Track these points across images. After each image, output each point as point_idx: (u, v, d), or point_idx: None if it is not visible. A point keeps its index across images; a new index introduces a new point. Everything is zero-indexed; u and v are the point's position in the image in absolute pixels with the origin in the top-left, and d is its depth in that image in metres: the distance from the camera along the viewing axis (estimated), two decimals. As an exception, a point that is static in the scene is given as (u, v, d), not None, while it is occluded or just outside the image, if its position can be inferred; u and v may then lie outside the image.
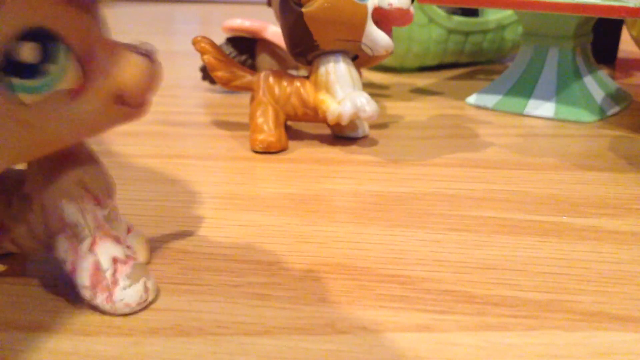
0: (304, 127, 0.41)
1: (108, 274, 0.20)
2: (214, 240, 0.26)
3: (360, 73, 0.38)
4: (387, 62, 0.58)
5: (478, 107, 0.47)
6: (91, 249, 0.20)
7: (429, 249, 0.25)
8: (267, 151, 0.37)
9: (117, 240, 0.21)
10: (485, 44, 0.60)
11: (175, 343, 0.19)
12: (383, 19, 0.35)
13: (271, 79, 0.38)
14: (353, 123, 0.38)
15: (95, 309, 0.21)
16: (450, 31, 0.57)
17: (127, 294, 0.20)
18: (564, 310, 0.21)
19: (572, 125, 0.42)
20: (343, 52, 0.37)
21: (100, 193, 0.21)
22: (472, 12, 0.60)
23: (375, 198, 0.30)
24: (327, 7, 0.34)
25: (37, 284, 0.23)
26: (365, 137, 0.39)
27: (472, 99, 0.48)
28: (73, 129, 0.18)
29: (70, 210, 0.20)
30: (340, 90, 0.36)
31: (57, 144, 0.18)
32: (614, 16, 0.38)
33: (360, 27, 0.35)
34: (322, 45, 0.36)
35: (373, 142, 0.39)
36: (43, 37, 0.16)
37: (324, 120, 0.37)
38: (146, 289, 0.21)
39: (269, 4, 0.48)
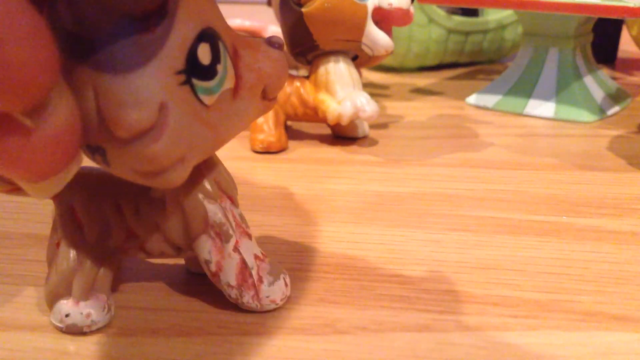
0: (304, 127, 0.41)
1: (254, 272, 0.20)
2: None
3: (360, 73, 0.38)
4: (387, 62, 0.58)
5: (478, 107, 0.47)
6: (235, 248, 0.20)
7: (429, 249, 0.25)
8: (267, 151, 0.37)
9: (251, 238, 0.21)
10: (485, 44, 0.60)
11: (175, 343, 0.19)
12: (383, 19, 0.35)
13: (271, 79, 0.38)
14: (353, 123, 0.38)
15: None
16: (450, 31, 0.57)
17: (272, 290, 0.20)
18: (564, 310, 0.21)
19: (572, 125, 0.42)
20: (343, 52, 0.37)
21: (233, 192, 0.21)
22: (472, 12, 0.60)
23: (375, 198, 0.30)
24: (327, 7, 0.34)
25: (38, 284, 0.23)
26: (365, 137, 0.39)
27: (472, 99, 0.48)
28: (237, 125, 0.18)
29: (214, 211, 0.19)
30: (340, 90, 0.36)
31: (225, 142, 0.18)
32: (614, 16, 0.38)
33: (360, 27, 0.35)
34: (322, 45, 0.36)
35: (373, 142, 0.39)
36: (211, 38, 0.16)
37: (324, 120, 0.37)
38: (286, 284, 0.21)
39: (269, 4, 0.48)
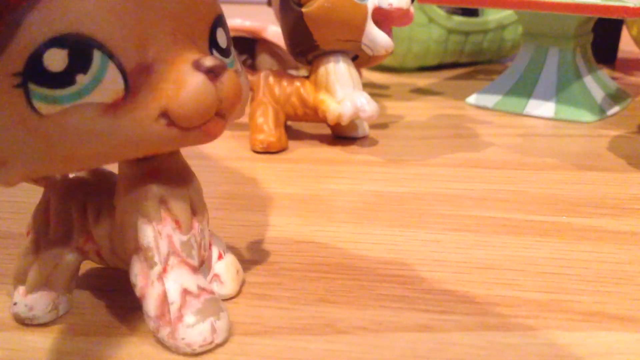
0: (304, 127, 0.41)
1: (174, 308, 0.18)
2: (214, 240, 0.26)
3: (360, 73, 0.38)
4: (387, 62, 0.58)
5: (478, 107, 0.47)
6: (160, 278, 0.18)
7: (429, 249, 0.25)
8: (267, 151, 0.37)
9: (194, 269, 0.19)
10: (485, 44, 0.60)
11: (175, 343, 0.19)
12: (383, 19, 0.35)
13: (271, 79, 0.38)
14: (353, 123, 0.38)
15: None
16: (450, 31, 0.57)
17: (190, 333, 0.18)
18: (564, 310, 0.21)
19: (572, 125, 0.42)
20: (343, 52, 0.37)
21: (183, 216, 0.19)
22: (472, 12, 0.60)
23: (375, 198, 0.30)
24: (327, 7, 0.34)
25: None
26: (365, 137, 0.39)
27: (472, 99, 0.48)
28: (103, 146, 0.16)
29: (144, 232, 0.18)
30: (340, 90, 0.36)
31: (86, 162, 0.16)
32: (614, 16, 0.38)
33: (360, 27, 0.35)
34: (322, 45, 0.36)
35: (373, 142, 0.39)
36: (74, 45, 0.15)
37: (324, 120, 0.37)
38: (213, 330, 0.18)
39: (269, 4, 0.48)
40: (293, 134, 0.40)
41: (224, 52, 0.18)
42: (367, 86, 0.52)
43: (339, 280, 0.23)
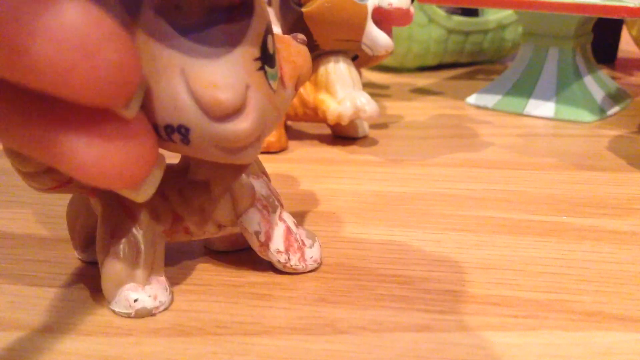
0: (304, 127, 0.41)
1: (298, 237, 0.22)
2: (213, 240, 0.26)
3: (360, 73, 0.38)
4: (387, 62, 0.58)
5: (478, 107, 0.47)
6: (280, 217, 0.22)
7: (429, 249, 0.25)
8: (267, 151, 0.37)
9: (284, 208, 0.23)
10: (485, 44, 0.60)
11: (175, 343, 0.19)
12: (383, 19, 0.35)
13: (271, 79, 0.38)
14: (353, 123, 0.38)
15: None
16: (450, 31, 0.57)
17: (314, 251, 0.23)
18: (564, 310, 0.21)
19: (572, 125, 0.42)
20: (343, 52, 0.37)
21: (265, 171, 0.23)
22: (472, 12, 0.60)
23: (375, 198, 0.30)
24: (327, 7, 0.34)
25: (37, 284, 0.23)
26: (365, 137, 0.39)
27: (472, 99, 0.48)
28: (285, 110, 0.20)
29: (260, 185, 0.22)
30: (340, 90, 0.36)
31: (277, 126, 0.20)
32: (614, 16, 0.38)
33: (360, 27, 0.35)
34: (322, 45, 0.36)
35: (373, 142, 0.39)
36: (272, 32, 0.18)
37: (324, 120, 0.37)
38: (320, 245, 0.23)
39: (269, 4, 0.48)
40: (293, 134, 0.40)
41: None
42: (367, 86, 0.52)
43: (339, 280, 0.23)
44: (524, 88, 0.45)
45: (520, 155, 0.36)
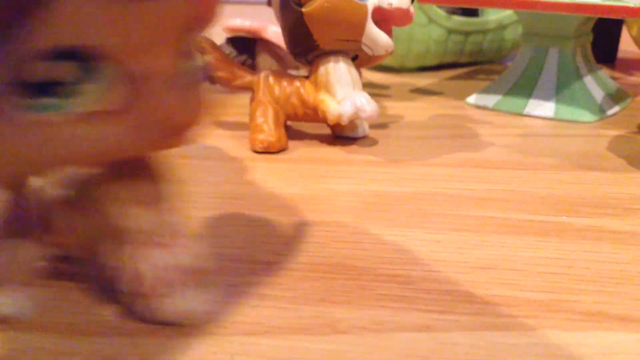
0: (304, 127, 0.41)
1: (146, 282, 0.20)
2: (213, 240, 0.26)
3: (360, 73, 0.38)
4: (387, 62, 0.58)
5: (478, 107, 0.47)
6: (133, 256, 0.19)
7: (429, 249, 0.25)
8: (267, 151, 0.37)
9: (164, 248, 0.20)
10: (485, 44, 0.60)
11: (175, 343, 0.19)
12: (383, 19, 0.35)
13: (271, 79, 0.38)
14: (353, 123, 0.38)
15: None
16: (450, 31, 0.57)
17: (166, 304, 0.20)
18: (564, 310, 0.21)
19: (572, 125, 0.42)
20: (343, 52, 0.37)
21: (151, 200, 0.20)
22: (472, 12, 0.60)
23: (375, 198, 0.30)
24: (327, 7, 0.34)
25: (37, 284, 0.23)
26: (365, 137, 0.39)
27: (472, 99, 0.48)
28: (89, 150, 0.16)
29: (129, 215, 0.19)
30: (340, 90, 0.36)
31: (71, 161, 0.17)
32: (614, 16, 0.38)
33: (360, 27, 0.35)
34: (322, 45, 0.36)
35: (373, 142, 0.39)
36: (74, 56, 0.15)
37: (324, 120, 0.37)
38: (194, 299, 0.20)
39: (269, 4, 0.47)
40: (293, 134, 0.40)
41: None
42: (367, 86, 0.52)
43: (339, 280, 0.23)
44: (524, 88, 0.45)
45: (520, 155, 0.36)
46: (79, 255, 0.21)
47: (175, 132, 0.17)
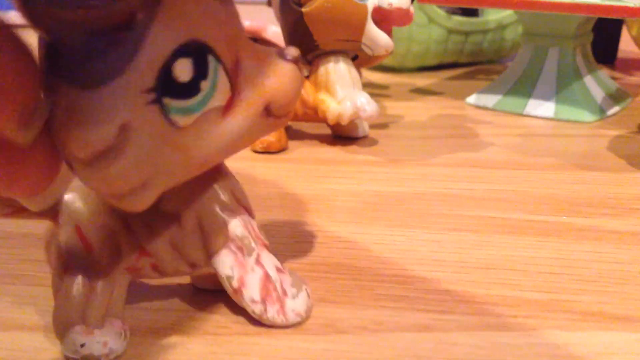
0: (304, 127, 0.41)
1: (277, 285, 0.19)
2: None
3: (360, 73, 0.38)
4: (387, 62, 0.57)
5: (478, 107, 0.47)
6: (258, 262, 0.19)
7: (429, 249, 0.25)
8: (267, 151, 0.37)
9: (269, 249, 0.20)
10: (485, 44, 0.60)
11: (175, 343, 0.19)
12: (383, 19, 0.35)
13: (271, 79, 0.38)
14: (353, 123, 0.38)
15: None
16: (450, 31, 0.57)
17: (297, 303, 0.20)
18: (564, 310, 0.21)
19: (572, 125, 0.42)
20: (343, 52, 0.37)
21: (248, 203, 0.20)
22: (472, 12, 0.60)
23: (375, 198, 0.30)
24: (327, 7, 0.34)
25: (38, 284, 0.23)
26: (365, 137, 0.39)
27: (472, 99, 0.48)
28: (226, 146, 0.16)
29: (235, 224, 0.19)
30: (340, 90, 0.36)
31: (210, 164, 0.17)
32: (614, 16, 0.38)
33: (360, 27, 0.35)
34: (322, 45, 0.36)
35: (373, 142, 0.39)
36: (196, 52, 0.15)
37: (324, 120, 0.37)
38: (309, 295, 0.20)
39: (269, 4, 0.47)
40: (293, 134, 0.40)
41: None
42: (367, 86, 0.52)
43: (339, 280, 0.23)
44: (524, 88, 0.45)
45: (520, 155, 0.36)
46: (174, 275, 0.20)
47: (282, 114, 0.17)
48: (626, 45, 0.66)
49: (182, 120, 0.15)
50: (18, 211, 0.18)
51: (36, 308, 0.21)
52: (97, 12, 0.13)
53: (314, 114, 0.37)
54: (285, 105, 0.17)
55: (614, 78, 0.51)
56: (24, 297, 0.22)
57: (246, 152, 0.37)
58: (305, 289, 0.20)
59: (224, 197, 0.19)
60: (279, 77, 0.17)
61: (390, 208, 0.29)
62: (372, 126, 0.41)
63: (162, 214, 0.18)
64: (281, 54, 0.17)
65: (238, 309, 0.21)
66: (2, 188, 0.13)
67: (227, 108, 0.16)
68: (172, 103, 0.15)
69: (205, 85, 0.15)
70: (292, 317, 0.20)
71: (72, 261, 0.19)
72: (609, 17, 0.38)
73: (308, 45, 0.36)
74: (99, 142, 0.14)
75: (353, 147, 0.38)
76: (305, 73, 0.39)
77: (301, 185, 0.32)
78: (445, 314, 0.21)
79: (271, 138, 0.36)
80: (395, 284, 0.22)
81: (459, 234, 0.26)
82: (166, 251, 0.19)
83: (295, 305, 0.20)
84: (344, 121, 0.36)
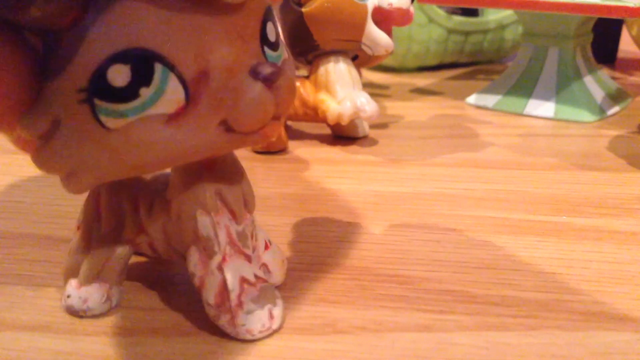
0: (304, 127, 0.41)
1: (233, 296, 0.19)
2: (214, 240, 0.26)
3: (360, 73, 0.38)
4: (387, 62, 0.58)
5: (478, 107, 0.47)
6: (219, 267, 0.19)
7: (429, 249, 0.25)
8: (267, 151, 0.37)
9: (249, 259, 0.19)
10: (485, 44, 0.60)
11: (175, 343, 0.19)
12: (383, 19, 0.35)
13: (271, 79, 0.38)
14: (353, 123, 0.38)
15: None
16: (450, 31, 0.57)
17: (250, 319, 0.19)
18: (564, 310, 0.21)
19: (572, 125, 0.42)
20: (343, 52, 0.37)
21: (237, 207, 0.19)
22: (472, 12, 0.60)
23: (375, 198, 0.30)
24: (327, 7, 0.34)
25: (38, 284, 0.23)
26: (365, 137, 0.39)
27: (472, 99, 0.48)
28: (168, 154, 0.16)
29: (203, 223, 0.19)
30: (340, 90, 0.36)
31: (150, 168, 0.17)
32: (614, 16, 0.38)
33: (360, 27, 0.35)
34: (322, 45, 0.36)
35: (373, 142, 0.39)
36: (136, 59, 0.15)
37: (324, 120, 0.37)
38: (271, 317, 0.20)
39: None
40: (293, 134, 0.40)
41: (274, 46, 0.18)
42: (367, 86, 0.52)
43: (339, 280, 0.23)
44: (524, 88, 0.45)
45: (520, 155, 0.36)
46: (169, 259, 0.21)
47: (244, 131, 0.17)
48: (626, 45, 0.66)
49: (111, 123, 0.15)
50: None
51: (36, 308, 0.21)
52: (34, 13, 0.14)
53: (314, 114, 0.37)
54: (245, 124, 0.16)
55: (614, 78, 0.51)
56: (24, 297, 0.22)
57: (246, 152, 0.37)
58: (269, 309, 0.20)
59: (204, 194, 0.19)
60: (239, 96, 0.16)
61: (390, 208, 0.29)
62: (372, 126, 0.41)
63: (162, 199, 0.19)
64: (253, 73, 0.16)
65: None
66: None
67: (175, 117, 0.16)
68: (103, 105, 0.15)
69: (146, 92, 0.15)
70: (241, 332, 0.19)
71: (84, 222, 0.21)
72: (609, 17, 0.38)
73: (308, 45, 0.36)
74: (34, 130, 0.16)
75: (353, 147, 0.38)
76: (305, 73, 0.39)
77: (301, 185, 0.32)
78: (445, 314, 0.21)
79: (271, 138, 0.36)
80: (395, 284, 0.22)
81: (459, 234, 0.26)
82: (159, 234, 0.20)
83: (247, 321, 0.19)
84: (344, 121, 0.36)
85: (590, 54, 0.46)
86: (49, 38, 0.15)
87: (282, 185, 0.32)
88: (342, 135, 0.39)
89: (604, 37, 0.58)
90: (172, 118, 0.16)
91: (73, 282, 0.21)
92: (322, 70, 0.37)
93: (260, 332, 0.19)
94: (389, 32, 0.36)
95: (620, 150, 0.36)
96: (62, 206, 0.29)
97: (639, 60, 0.64)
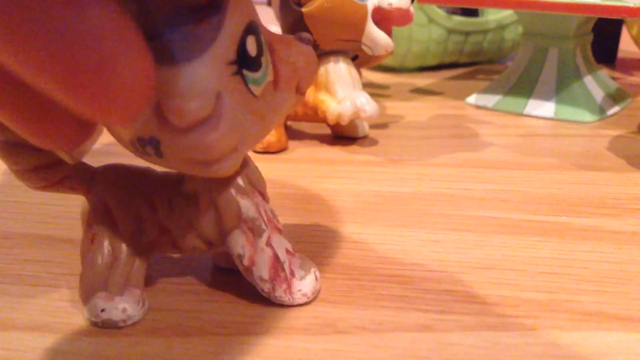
0: (304, 127, 0.41)
1: (286, 266, 0.20)
2: (214, 240, 0.26)
3: (360, 73, 0.38)
4: (387, 62, 0.58)
5: (478, 107, 0.47)
6: (268, 243, 0.20)
7: (429, 249, 0.25)
8: (267, 151, 0.37)
9: (282, 233, 0.21)
10: (485, 44, 0.60)
11: (175, 343, 0.19)
12: (383, 19, 0.35)
13: (271, 79, 0.38)
14: (353, 123, 0.38)
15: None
16: (450, 31, 0.57)
17: (304, 284, 0.21)
18: (564, 310, 0.21)
19: (572, 125, 0.42)
20: (343, 52, 0.37)
21: (263, 187, 0.21)
22: (472, 12, 0.60)
23: (375, 198, 0.30)
24: (327, 7, 0.34)
25: (38, 284, 0.23)
26: (365, 137, 0.39)
27: (472, 99, 0.48)
28: (278, 117, 0.18)
29: (246, 206, 0.20)
30: (340, 90, 0.36)
31: (268, 133, 0.19)
32: (614, 16, 0.38)
33: (360, 27, 0.35)
34: (322, 45, 0.36)
35: (373, 142, 0.39)
36: (256, 31, 0.17)
37: (324, 120, 0.37)
38: (317, 278, 0.21)
39: (269, 4, 0.48)
40: (293, 134, 0.40)
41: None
42: (367, 86, 0.52)
43: (339, 280, 0.23)
44: (524, 88, 0.45)
45: (520, 155, 0.36)
46: (192, 253, 0.21)
47: (304, 91, 0.19)
48: (626, 45, 0.66)
49: (256, 90, 0.17)
50: (52, 185, 0.20)
51: (36, 308, 0.21)
52: None
53: (314, 114, 0.37)
54: (310, 82, 0.19)
55: (614, 78, 0.51)
56: (24, 297, 0.22)
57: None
58: (314, 272, 0.21)
59: (239, 179, 0.20)
60: (305, 58, 0.19)
61: (390, 208, 0.29)
62: (372, 126, 0.41)
63: (183, 195, 0.20)
64: (300, 39, 0.19)
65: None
66: (44, 140, 0.13)
67: (276, 83, 0.18)
68: (248, 74, 0.16)
69: (264, 60, 0.17)
70: (298, 297, 0.21)
71: (99, 231, 0.20)
72: (609, 17, 0.38)
73: (308, 45, 0.36)
74: (201, 111, 0.15)
75: (353, 147, 0.38)
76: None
77: (301, 185, 0.32)
78: (445, 314, 0.21)
79: (271, 138, 0.36)
80: (395, 284, 0.22)
81: (459, 234, 0.26)
82: (184, 229, 0.20)
83: (302, 286, 0.21)
84: (344, 121, 0.36)
85: (590, 54, 0.46)
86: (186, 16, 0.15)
87: (282, 185, 0.32)
88: (342, 135, 0.39)
89: (604, 37, 0.58)
90: (275, 84, 0.18)
91: (102, 295, 0.20)
92: (322, 70, 0.37)
93: (313, 293, 0.21)
94: (389, 32, 0.36)
95: (620, 150, 0.36)
96: (62, 206, 0.29)
97: (639, 60, 0.64)
